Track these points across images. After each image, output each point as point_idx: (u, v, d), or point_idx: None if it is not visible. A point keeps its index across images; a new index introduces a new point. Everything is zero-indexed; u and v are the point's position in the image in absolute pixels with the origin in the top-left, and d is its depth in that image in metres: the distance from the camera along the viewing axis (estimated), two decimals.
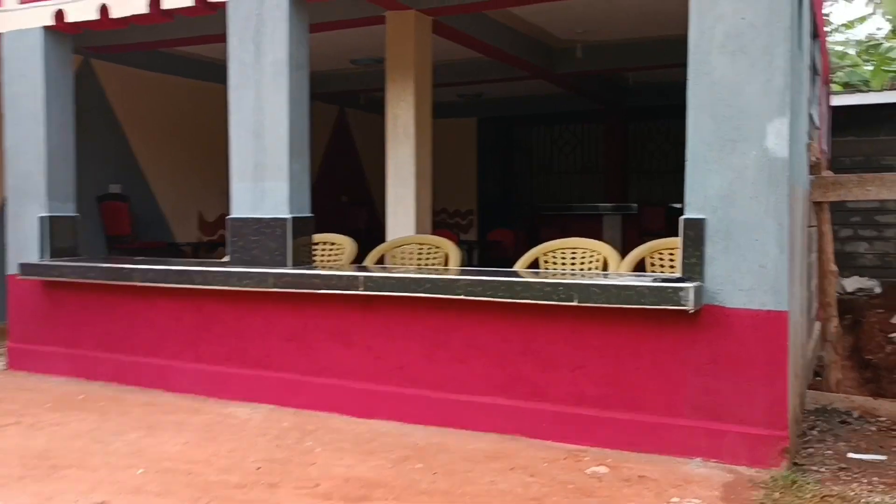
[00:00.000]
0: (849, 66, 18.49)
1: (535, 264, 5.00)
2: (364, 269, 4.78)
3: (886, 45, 14.21)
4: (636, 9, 7.35)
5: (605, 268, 4.75)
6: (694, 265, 3.74)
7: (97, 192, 8.20)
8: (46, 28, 5.48)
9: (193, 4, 4.91)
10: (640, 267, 4.71)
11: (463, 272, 4.41)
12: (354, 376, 4.54)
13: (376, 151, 8.71)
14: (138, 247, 8.07)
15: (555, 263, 4.93)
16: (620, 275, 4.28)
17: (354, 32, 7.48)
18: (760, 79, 3.61)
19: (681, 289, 3.61)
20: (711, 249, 3.72)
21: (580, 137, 13.93)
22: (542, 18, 7.86)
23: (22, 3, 5.50)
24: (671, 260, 4.69)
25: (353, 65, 9.72)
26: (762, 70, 3.61)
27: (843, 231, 11.74)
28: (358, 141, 12.70)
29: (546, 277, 4.03)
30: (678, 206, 11.78)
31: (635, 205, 12.09)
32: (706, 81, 3.72)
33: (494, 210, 13.75)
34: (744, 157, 3.65)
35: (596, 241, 4.88)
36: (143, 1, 5.06)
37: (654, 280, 3.78)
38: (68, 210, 5.69)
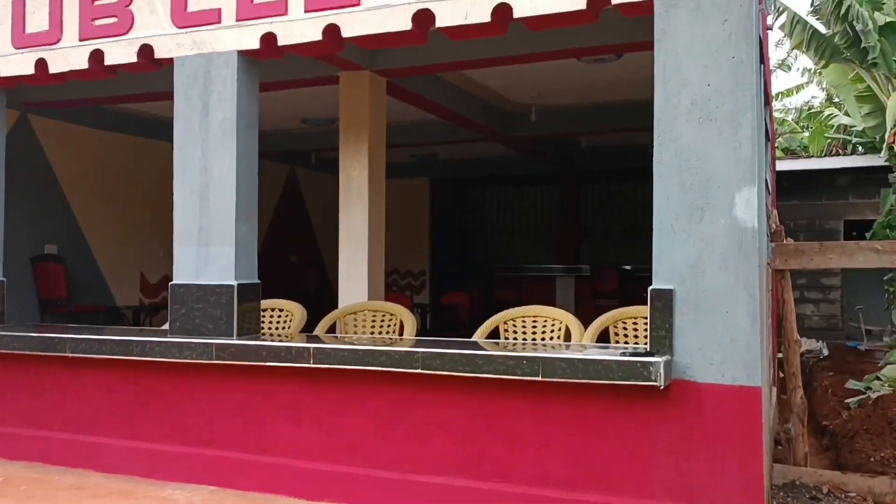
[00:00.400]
0: (787, 132, 19.09)
1: (494, 333, 4.80)
2: (314, 339, 4.52)
3: (827, 112, 14.67)
4: (589, 75, 7.37)
5: (567, 337, 4.57)
6: (663, 338, 3.58)
7: (32, 254, 7.78)
8: None
9: (137, 60, 4.69)
10: (603, 336, 4.55)
11: (420, 343, 4.18)
12: (303, 455, 4.23)
13: (327, 212, 8.52)
14: (74, 311, 7.64)
15: (515, 333, 4.74)
16: (585, 347, 4.10)
17: (307, 92, 7.34)
18: (728, 146, 3.53)
19: (650, 363, 3.44)
20: (680, 321, 3.57)
21: (533, 199, 13.96)
22: (497, 82, 7.84)
23: None
24: (635, 329, 4.54)
25: (305, 124, 9.57)
26: (729, 137, 3.53)
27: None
28: (308, 201, 12.49)
29: (509, 350, 3.83)
30: (629, 267, 11.83)
31: (588, 266, 12.06)
32: (672, 148, 3.62)
33: (447, 271, 13.60)
34: (712, 226, 3.54)
35: (558, 310, 4.71)
36: (83, 56, 4.81)
37: (623, 354, 3.60)
38: None
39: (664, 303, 3.58)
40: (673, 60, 3.65)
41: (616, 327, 4.59)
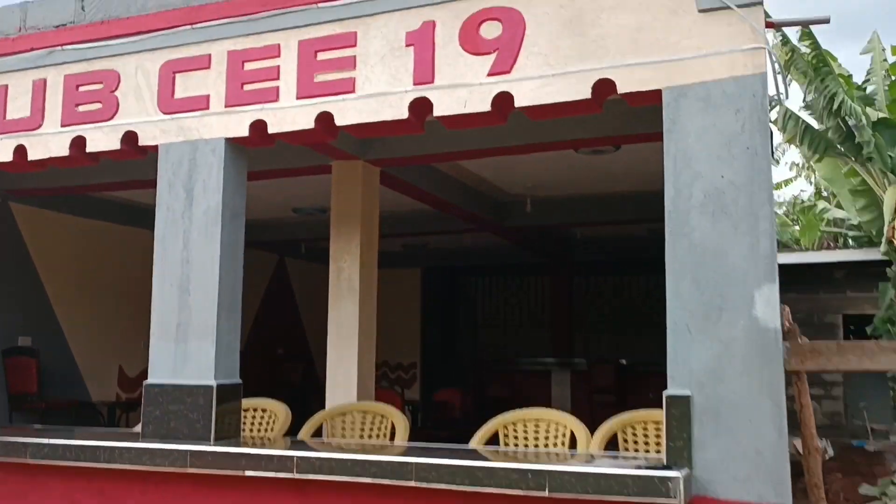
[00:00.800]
0: (779, 225, 19.14)
1: (493, 438, 4.46)
2: (299, 445, 4.17)
3: (820, 206, 14.67)
4: (586, 166, 7.26)
5: (572, 444, 4.24)
6: (681, 449, 3.27)
7: (4, 345, 7.43)
8: None
9: (120, 147, 4.49)
10: (611, 443, 4.22)
11: (413, 451, 3.84)
12: None
13: (316, 302, 8.25)
14: (44, 407, 7.23)
15: (516, 438, 4.40)
16: (594, 456, 3.77)
17: (298, 181, 7.17)
18: (745, 242, 3.31)
19: (669, 478, 3.11)
20: (700, 432, 3.26)
21: (526, 290, 13.71)
22: (491, 172, 7.71)
23: None
24: (646, 435, 4.22)
25: (295, 214, 9.38)
26: (746, 232, 3.31)
27: (791, 390, 11.52)
28: (297, 291, 12.20)
29: (512, 461, 3.50)
30: (625, 362, 11.47)
31: (584, 360, 11.70)
32: (686, 244, 3.40)
33: (438, 363, 13.22)
34: (731, 328, 3.28)
35: (561, 413, 4.40)
36: (64, 142, 4.62)
37: (638, 466, 3.28)
38: None
39: (681, 410, 3.28)
40: (683, 152, 3.47)
41: (625, 433, 4.26)
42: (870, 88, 10.71)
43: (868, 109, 9.82)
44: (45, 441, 4.27)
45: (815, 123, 10.46)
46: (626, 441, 4.25)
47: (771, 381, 3.19)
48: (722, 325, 3.29)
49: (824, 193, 18.95)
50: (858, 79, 10.96)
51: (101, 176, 6.94)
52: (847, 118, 9.39)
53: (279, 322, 11.59)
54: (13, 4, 5.02)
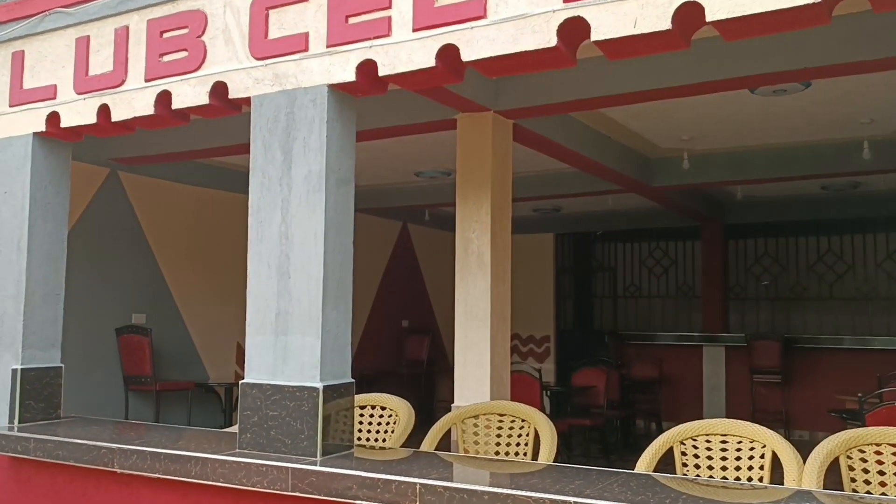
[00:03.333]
0: None
1: (667, 457, 3.51)
2: (427, 458, 3.38)
3: None
4: (760, 111, 6.05)
5: (775, 470, 3.23)
6: None
7: (118, 324, 7.08)
8: (38, 135, 4.43)
9: (209, 102, 3.79)
10: (831, 470, 3.18)
11: (568, 475, 2.96)
12: None
13: (443, 273, 7.50)
14: (158, 389, 6.84)
15: (697, 459, 3.44)
16: (814, 496, 2.74)
17: (419, 139, 6.35)
18: None
19: None
20: None
21: (672, 256, 12.43)
22: (642, 123, 6.63)
23: (11, 105, 4.49)
24: (880, 462, 3.16)
25: (418, 177, 8.61)
26: None
27: None
28: (422, 260, 11.50)
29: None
30: (800, 339, 10.03)
31: (743, 335, 10.40)
32: None
33: (574, 337, 12.24)
34: None
35: (758, 428, 3.39)
36: (148, 99, 3.97)
37: None
38: (51, 360, 4.49)
39: None
40: None
41: (851, 456, 3.21)
42: None
43: None
44: (133, 448, 3.69)
45: None
46: (852, 469, 3.20)
47: None
48: None
49: None
50: None
51: (211, 140, 6.40)
52: None
53: (403, 293, 10.94)
54: None
